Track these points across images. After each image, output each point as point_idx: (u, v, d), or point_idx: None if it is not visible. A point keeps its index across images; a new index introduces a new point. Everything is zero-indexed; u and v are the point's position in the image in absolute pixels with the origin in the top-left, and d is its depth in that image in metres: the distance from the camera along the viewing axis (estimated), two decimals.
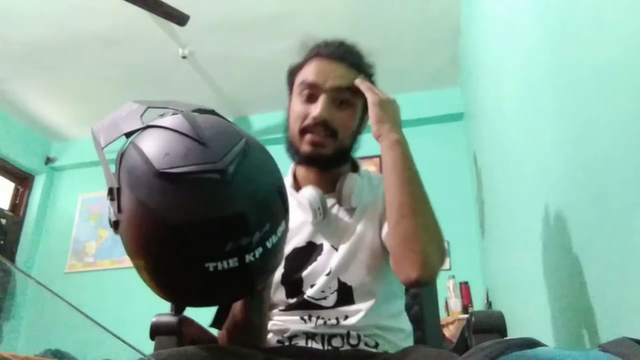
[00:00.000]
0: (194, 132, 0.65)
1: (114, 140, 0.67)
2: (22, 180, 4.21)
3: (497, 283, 2.36)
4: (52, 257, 4.00)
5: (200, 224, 0.62)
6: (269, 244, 0.67)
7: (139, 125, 0.67)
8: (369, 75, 1.03)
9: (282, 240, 0.71)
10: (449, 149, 3.52)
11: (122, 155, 0.66)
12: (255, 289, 0.70)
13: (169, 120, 0.67)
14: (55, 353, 3.09)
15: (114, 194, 0.64)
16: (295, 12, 2.96)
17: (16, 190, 4.20)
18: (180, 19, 2.62)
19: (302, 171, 1.05)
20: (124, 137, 0.68)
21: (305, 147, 0.97)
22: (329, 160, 0.98)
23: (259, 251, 0.65)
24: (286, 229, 0.72)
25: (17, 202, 4.17)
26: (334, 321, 0.92)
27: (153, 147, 0.64)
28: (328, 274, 0.95)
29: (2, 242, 3.83)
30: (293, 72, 1.04)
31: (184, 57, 3.27)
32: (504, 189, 1.89)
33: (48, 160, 4.27)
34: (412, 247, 0.83)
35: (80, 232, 4.04)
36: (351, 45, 1.04)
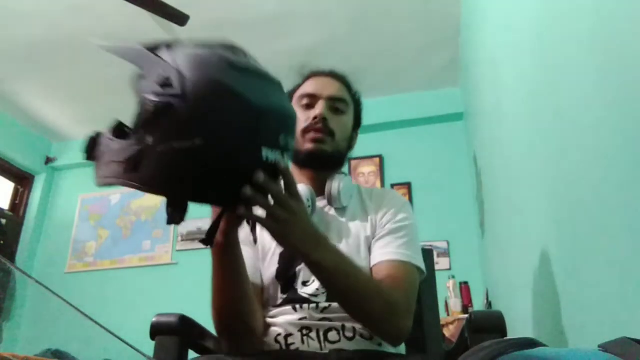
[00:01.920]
0: (241, 52, 0.73)
1: (157, 48, 0.69)
2: (22, 180, 4.21)
3: (497, 283, 2.36)
4: (52, 257, 4.00)
5: (277, 111, 0.71)
6: (289, 157, 0.76)
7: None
8: (356, 96, 1.17)
9: None
10: (449, 149, 3.52)
11: (168, 50, 0.68)
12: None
13: (208, 43, 0.72)
14: (55, 353, 3.09)
15: (173, 79, 0.65)
16: (295, 12, 2.96)
17: (16, 190, 4.20)
18: (180, 19, 2.62)
19: (295, 175, 1.10)
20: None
21: (307, 145, 1.05)
22: (329, 158, 1.06)
23: (288, 157, 0.74)
24: None
25: (17, 202, 4.17)
26: (325, 304, 0.95)
27: (214, 50, 0.69)
28: None
29: (2, 242, 3.83)
30: (291, 94, 1.15)
31: None
32: (504, 189, 1.89)
33: (48, 160, 4.27)
34: (369, 326, 0.91)
35: (80, 232, 4.04)
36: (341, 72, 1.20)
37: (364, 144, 1.09)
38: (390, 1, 2.90)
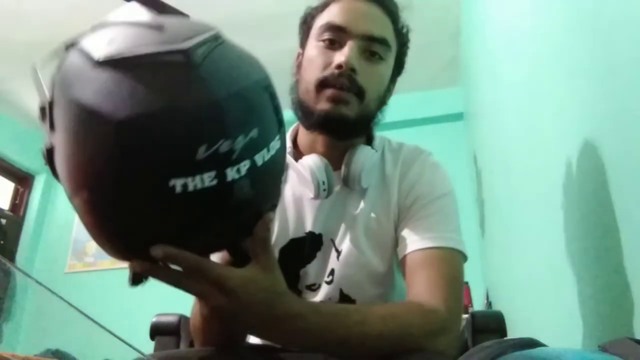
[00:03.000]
0: (148, 17, 0.49)
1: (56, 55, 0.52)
2: (22, 180, 4.21)
3: (497, 283, 2.36)
4: (52, 257, 4.00)
5: (159, 115, 0.43)
6: (258, 159, 0.48)
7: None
8: (403, 30, 0.85)
9: (277, 163, 0.52)
10: (449, 149, 3.51)
11: (60, 65, 0.51)
12: (243, 235, 0.51)
13: (119, 13, 0.51)
14: (55, 353, 3.09)
15: (45, 112, 0.48)
16: (295, 12, 2.94)
17: (16, 190, 4.20)
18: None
19: (306, 138, 0.85)
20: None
21: (323, 105, 0.76)
22: (351, 125, 0.77)
23: (245, 166, 0.46)
24: (282, 150, 0.53)
25: (17, 202, 4.17)
26: None
27: (94, 39, 0.48)
28: (329, 282, 0.82)
29: (2, 242, 3.83)
30: (311, 16, 0.86)
31: None
32: (504, 189, 1.89)
33: None
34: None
35: (80, 232, 4.03)
36: None
37: None
38: None
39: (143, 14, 0.50)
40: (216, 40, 0.49)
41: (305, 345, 0.60)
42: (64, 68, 0.48)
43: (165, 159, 0.43)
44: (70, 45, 0.51)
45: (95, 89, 0.44)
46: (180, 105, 0.43)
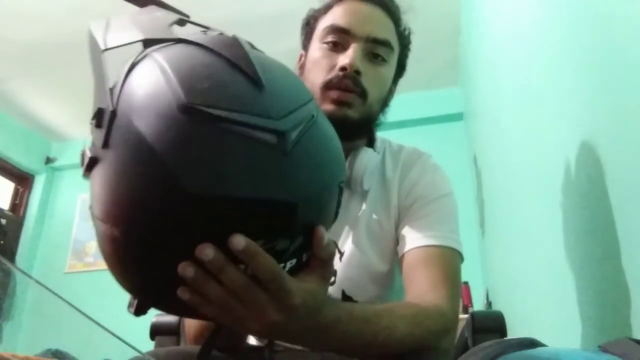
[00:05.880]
0: (251, 66, 0.43)
1: (126, 44, 0.46)
2: (22, 180, 4.22)
3: (497, 283, 2.36)
4: (52, 257, 4.01)
5: (229, 198, 0.39)
6: (305, 257, 0.47)
7: (167, 35, 0.46)
8: (405, 32, 0.86)
9: None
10: (449, 149, 3.52)
11: (132, 68, 0.44)
12: None
13: (215, 39, 0.45)
14: (55, 353, 3.08)
15: (103, 118, 0.42)
16: (295, 12, 2.95)
17: (16, 190, 4.20)
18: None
19: None
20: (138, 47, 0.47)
21: (327, 106, 0.76)
22: (354, 126, 0.78)
23: (291, 264, 0.46)
24: None
25: (17, 202, 4.18)
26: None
27: (186, 68, 0.42)
28: (332, 283, 0.80)
29: (2, 242, 3.83)
30: (314, 18, 0.88)
31: None
32: (504, 189, 1.89)
33: (48, 160, 4.28)
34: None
35: (80, 232, 4.04)
36: None
37: None
38: None
39: (244, 57, 0.44)
40: (313, 119, 0.46)
41: (335, 348, 0.59)
42: (140, 85, 0.42)
43: (219, 241, 0.40)
44: (150, 43, 0.45)
45: (171, 142, 0.39)
46: (255, 193, 0.40)
